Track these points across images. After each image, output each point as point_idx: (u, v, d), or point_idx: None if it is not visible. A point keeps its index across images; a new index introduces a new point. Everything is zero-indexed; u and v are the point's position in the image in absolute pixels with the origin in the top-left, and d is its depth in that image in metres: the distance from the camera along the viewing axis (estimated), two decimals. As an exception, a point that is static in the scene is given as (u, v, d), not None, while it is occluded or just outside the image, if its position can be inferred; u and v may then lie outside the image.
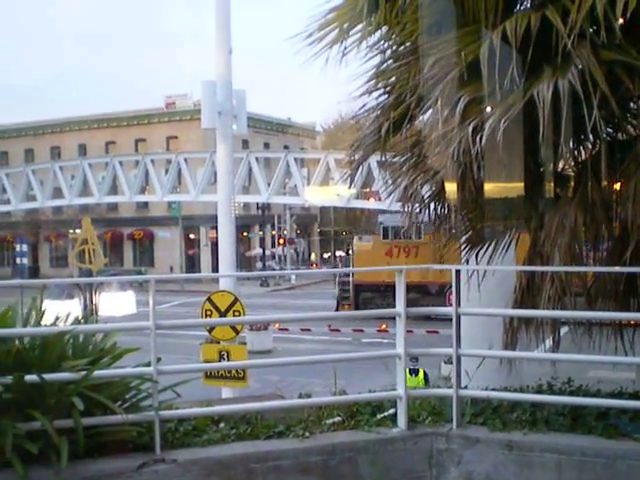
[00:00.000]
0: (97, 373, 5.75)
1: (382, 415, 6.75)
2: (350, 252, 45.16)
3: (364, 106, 8.33)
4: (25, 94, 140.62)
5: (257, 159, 35.25)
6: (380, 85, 8.18)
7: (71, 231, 55.59)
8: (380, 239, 42.12)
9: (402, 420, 6.55)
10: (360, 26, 7.75)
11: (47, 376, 5.53)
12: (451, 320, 6.46)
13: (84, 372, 5.66)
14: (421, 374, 18.58)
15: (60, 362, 5.80)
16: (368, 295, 41.56)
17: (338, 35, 7.78)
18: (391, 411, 6.80)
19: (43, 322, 6.27)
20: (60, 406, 5.64)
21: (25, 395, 5.56)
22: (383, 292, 38.72)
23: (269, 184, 34.20)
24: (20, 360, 5.68)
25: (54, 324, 6.23)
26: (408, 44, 7.86)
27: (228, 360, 13.04)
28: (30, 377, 5.49)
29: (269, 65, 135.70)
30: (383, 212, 38.86)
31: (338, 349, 31.21)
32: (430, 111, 7.19)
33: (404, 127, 7.65)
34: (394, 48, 8.21)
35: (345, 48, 7.80)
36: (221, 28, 15.68)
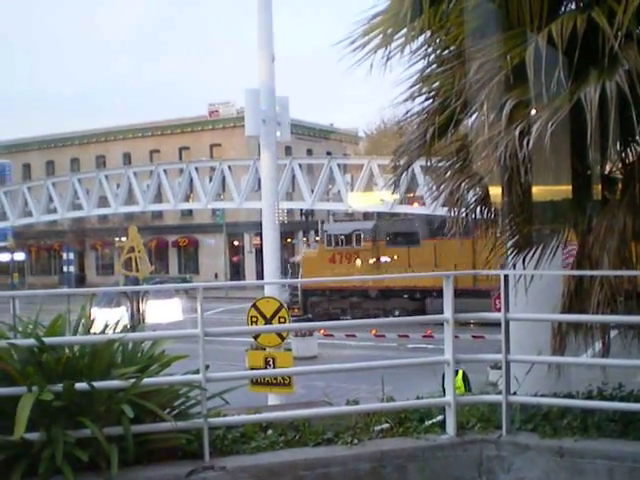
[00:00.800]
0: (146, 381, 5.78)
1: (431, 422, 6.70)
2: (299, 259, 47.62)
3: (408, 112, 8.29)
4: (70, 104, 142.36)
5: (300, 166, 35.28)
6: (424, 90, 8.14)
7: (117, 239, 56.14)
8: (325, 247, 44.41)
9: (451, 427, 6.50)
10: (403, 31, 7.73)
11: (97, 384, 5.57)
12: (493, 325, 6.41)
13: (133, 380, 5.69)
14: (460, 374, 18.40)
15: (109, 370, 5.84)
16: (315, 299, 43.71)
17: (382, 41, 7.76)
18: (439, 418, 6.75)
19: (92, 330, 6.33)
20: (110, 414, 5.68)
21: (75, 403, 5.60)
22: (329, 296, 42.05)
23: (312, 190, 34.22)
24: (70, 368, 5.73)
25: (103, 332, 6.28)
26: (452, 48, 7.83)
27: (274, 366, 13.05)
28: (80, 385, 5.54)
29: (311, 71, 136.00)
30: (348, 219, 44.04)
31: (383, 355, 31.11)
32: (475, 115, 7.14)
33: (449, 132, 7.62)
34: (438, 53, 8.18)
35: (389, 53, 7.78)
36: (264, 36, 15.72)
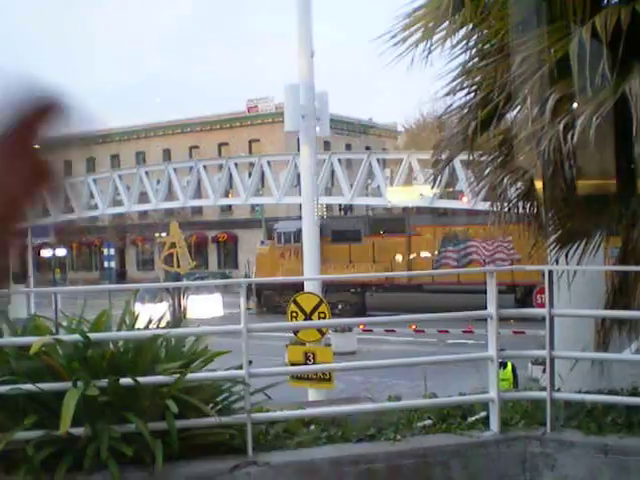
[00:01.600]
0: (190, 376, 5.81)
1: (474, 418, 6.67)
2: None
3: (450, 106, 8.24)
4: (111, 101, 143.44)
5: (340, 160, 35.25)
6: (466, 84, 8.09)
7: (157, 234, 56.53)
8: (275, 244, 47.46)
9: (495, 423, 6.46)
10: (444, 25, 7.68)
11: (141, 379, 5.61)
12: (534, 320, 6.35)
13: (177, 375, 5.72)
14: (509, 366, 18.20)
15: (153, 365, 5.88)
16: (268, 293, 44.98)
17: (423, 35, 7.72)
18: (482, 414, 6.71)
19: (136, 326, 6.37)
20: (154, 409, 5.71)
21: (120, 398, 5.65)
22: (280, 290, 42.33)
23: (351, 185, 34.19)
24: (114, 363, 5.78)
25: (147, 328, 6.32)
26: (494, 42, 7.76)
27: (314, 361, 13.04)
28: (124, 380, 5.58)
29: (349, 65, 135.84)
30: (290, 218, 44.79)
31: (423, 350, 30.98)
32: (518, 109, 7.09)
33: (492, 126, 7.56)
34: (480, 46, 8.12)
35: (430, 47, 7.73)
36: (303, 31, 15.70)
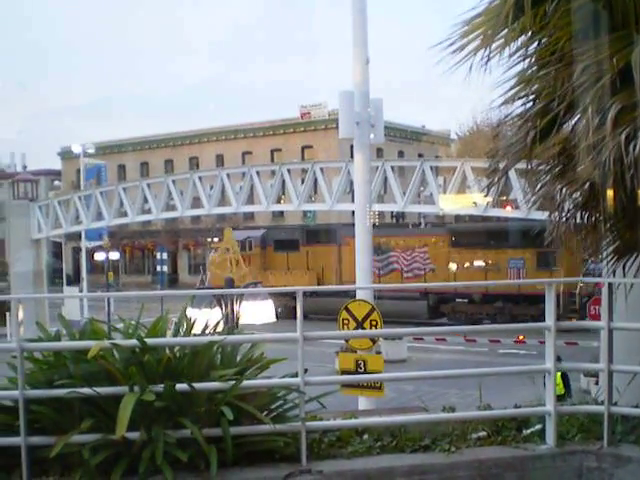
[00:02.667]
0: (245, 383, 5.82)
1: (529, 431, 6.58)
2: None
3: (509, 114, 8.17)
4: (164, 106, 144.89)
5: (392, 168, 35.15)
6: (525, 93, 8.00)
7: (209, 240, 56.90)
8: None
9: (551, 437, 6.37)
10: (503, 33, 7.61)
11: (196, 385, 5.63)
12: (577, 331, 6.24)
13: (232, 382, 5.73)
14: (558, 375, 17.85)
15: (209, 371, 5.90)
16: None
17: (481, 42, 7.66)
18: (538, 427, 6.62)
19: (191, 332, 6.40)
20: (209, 415, 5.73)
21: (175, 403, 5.67)
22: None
23: (404, 193, 34.07)
24: (170, 369, 5.81)
25: (203, 333, 6.34)
26: (554, 50, 7.67)
27: (365, 369, 12.99)
28: (180, 386, 5.60)
29: (402, 72, 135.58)
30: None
31: (474, 360, 30.84)
32: (579, 119, 6.99)
33: (552, 136, 7.47)
34: (539, 55, 8.03)
35: (489, 55, 7.67)
36: (358, 38, 15.68)
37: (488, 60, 7.68)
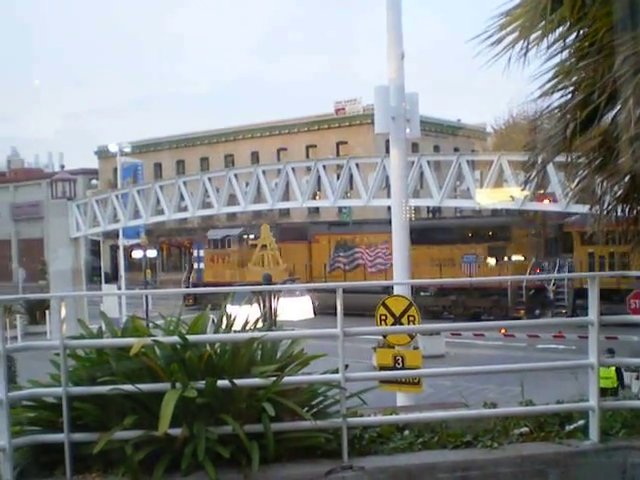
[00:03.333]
0: (286, 379, 5.82)
1: (572, 426, 6.52)
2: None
3: (548, 106, 8.09)
4: (200, 104, 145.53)
5: (429, 162, 34.96)
6: (564, 85, 7.92)
7: (245, 237, 57.07)
8: (210, 249, 57.07)
9: (594, 432, 6.30)
10: (541, 25, 7.53)
11: (238, 381, 5.64)
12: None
13: (273, 378, 5.73)
14: (612, 369, 17.59)
15: (249, 368, 5.91)
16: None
17: (519, 35, 7.59)
18: (580, 422, 6.56)
19: (229, 328, 6.41)
20: (250, 411, 5.74)
21: (217, 400, 5.69)
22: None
23: (440, 187, 33.89)
24: (211, 365, 5.82)
25: (243, 330, 6.35)
26: (594, 41, 7.58)
27: (403, 365, 12.94)
28: (221, 382, 5.61)
29: (437, 66, 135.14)
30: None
31: (512, 355, 30.67)
32: (620, 110, 6.90)
33: (592, 128, 7.39)
34: (577, 46, 7.94)
35: (527, 47, 7.60)
36: (393, 33, 15.58)
37: (526, 52, 7.62)
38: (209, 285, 51.20)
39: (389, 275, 44.54)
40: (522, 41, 7.56)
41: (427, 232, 48.88)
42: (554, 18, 7.38)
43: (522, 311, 41.96)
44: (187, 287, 54.87)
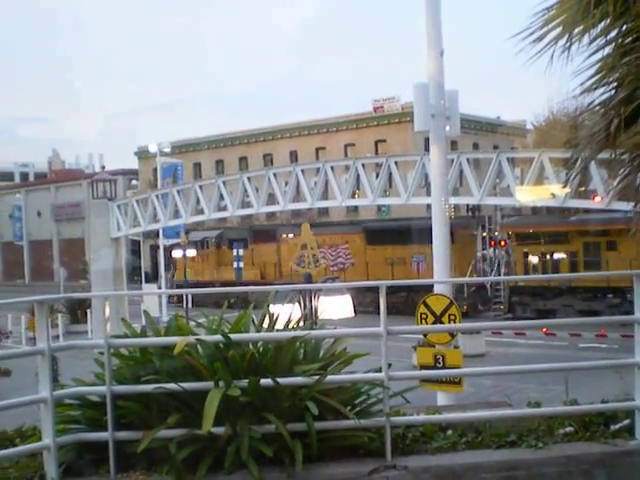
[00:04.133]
0: (329, 378, 5.81)
1: (617, 426, 6.44)
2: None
3: (591, 103, 8.00)
4: (239, 104, 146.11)
5: (468, 160, 34.75)
6: (607, 81, 7.83)
7: (284, 236, 57.14)
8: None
9: (640, 432, 6.24)
10: (583, 20, 7.45)
11: (281, 380, 5.64)
12: None
13: (316, 377, 5.73)
14: None
15: (292, 366, 5.91)
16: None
17: (562, 31, 7.51)
18: (626, 422, 6.48)
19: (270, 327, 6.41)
20: (293, 410, 5.74)
21: (260, 398, 5.69)
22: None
23: (480, 185, 33.67)
24: (254, 364, 5.83)
25: (285, 328, 6.36)
26: (638, 37, 7.49)
27: (443, 364, 12.89)
28: (264, 381, 5.62)
29: (476, 63, 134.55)
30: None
31: (553, 354, 30.41)
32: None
33: (637, 124, 7.29)
34: (621, 41, 7.84)
35: (570, 43, 7.52)
36: (432, 30, 15.51)
37: (569, 48, 7.54)
38: (201, 285, 55.27)
39: (347, 273, 51.98)
40: (565, 37, 7.49)
41: (381, 233, 53.02)
42: (596, 13, 7.30)
43: (465, 307, 42.17)
44: (172, 285, 58.05)
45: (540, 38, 7.56)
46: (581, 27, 7.48)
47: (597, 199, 30.95)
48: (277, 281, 49.17)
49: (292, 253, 54.49)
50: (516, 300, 43.74)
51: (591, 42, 7.70)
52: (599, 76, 7.78)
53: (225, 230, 63.19)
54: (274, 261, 57.76)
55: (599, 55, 7.81)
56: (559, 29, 7.50)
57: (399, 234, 50.35)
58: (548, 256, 43.54)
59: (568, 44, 7.48)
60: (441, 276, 16.20)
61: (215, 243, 62.28)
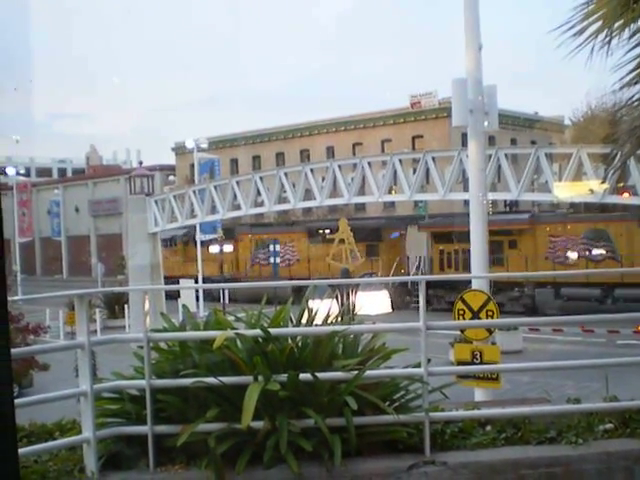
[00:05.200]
0: (368, 373, 5.81)
1: (658, 423, 6.38)
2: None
3: (631, 98, 7.92)
4: (276, 100, 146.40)
5: (506, 155, 34.49)
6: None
7: (320, 231, 57.15)
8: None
9: (682, 429, 6.17)
10: (623, 14, 7.38)
11: (320, 375, 5.65)
12: None
13: (355, 372, 5.73)
14: None
15: (331, 361, 5.91)
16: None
17: (603, 24, 7.45)
18: (667, 419, 6.42)
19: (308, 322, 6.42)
20: (332, 405, 5.75)
21: (299, 393, 5.70)
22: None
23: (518, 181, 33.41)
24: (293, 359, 5.85)
25: (324, 323, 6.36)
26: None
27: (481, 360, 12.83)
28: (303, 375, 5.63)
29: (514, 58, 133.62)
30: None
31: (591, 351, 30.16)
32: None
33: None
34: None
35: (610, 37, 7.45)
36: (470, 25, 15.45)
37: (609, 42, 7.48)
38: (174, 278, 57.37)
39: (293, 269, 57.62)
40: (605, 31, 7.42)
41: (319, 231, 56.12)
42: (637, 7, 7.24)
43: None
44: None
45: (580, 32, 7.50)
46: (621, 21, 7.42)
47: (625, 195, 30.77)
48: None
49: (247, 250, 61.12)
50: (432, 293, 44.38)
51: (631, 36, 7.64)
52: (638, 71, 7.71)
53: (191, 228, 62.97)
54: (231, 256, 61.89)
55: (639, 50, 7.75)
56: (599, 23, 7.44)
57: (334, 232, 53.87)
58: (460, 253, 45.94)
59: (608, 38, 7.42)
60: (479, 272, 16.14)
61: (182, 241, 65.45)
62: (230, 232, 61.09)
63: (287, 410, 5.67)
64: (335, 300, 12.70)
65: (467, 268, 43.11)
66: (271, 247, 60.51)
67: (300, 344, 6.06)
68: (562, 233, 45.28)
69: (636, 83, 7.80)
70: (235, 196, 42.70)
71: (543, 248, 45.29)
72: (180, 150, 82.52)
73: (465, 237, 46.21)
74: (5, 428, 1.82)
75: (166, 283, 46.67)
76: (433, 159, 36.35)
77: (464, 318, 12.42)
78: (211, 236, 56.97)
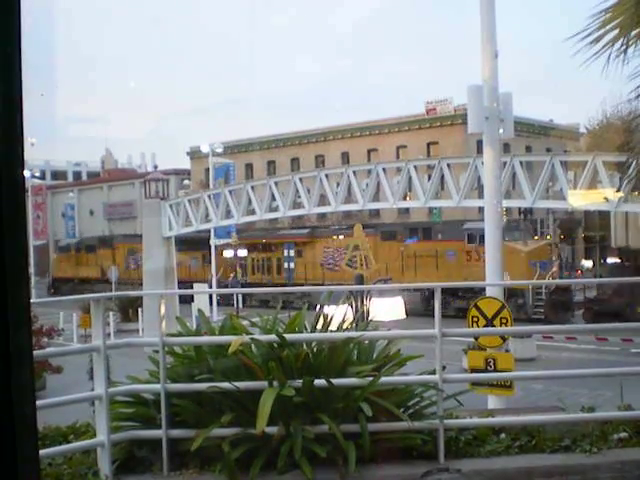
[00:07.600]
0: (383, 379, 5.82)
1: (673, 432, 6.37)
2: None
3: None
4: (291, 105, 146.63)
5: (521, 163, 34.40)
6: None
7: (334, 237, 57.19)
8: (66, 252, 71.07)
9: (697, 439, 6.15)
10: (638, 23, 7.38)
11: (334, 381, 5.66)
12: None
13: (370, 378, 5.73)
14: None
15: (346, 367, 5.92)
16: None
17: (619, 34, 7.46)
18: (682, 428, 6.40)
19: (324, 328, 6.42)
20: (346, 411, 5.75)
21: (313, 399, 5.71)
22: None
23: (533, 188, 33.33)
24: (308, 364, 5.86)
25: (339, 329, 6.37)
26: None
27: (494, 368, 12.80)
28: (318, 381, 5.64)
29: (529, 65, 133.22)
30: None
31: (604, 359, 30.04)
32: None
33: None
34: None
35: (627, 45, 7.45)
36: (487, 32, 15.44)
37: (625, 50, 7.48)
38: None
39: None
40: (621, 39, 7.43)
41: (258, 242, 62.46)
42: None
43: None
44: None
45: (596, 40, 7.51)
46: (638, 30, 7.42)
47: None
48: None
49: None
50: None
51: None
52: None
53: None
54: (199, 265, 65.48)
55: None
56: (615, 31, 7.45)
57: (271, 241, 63.02)
58: (265, 260, 61.50)
59: (624, 47, 7.42)
60: (493, 279, 16.11)
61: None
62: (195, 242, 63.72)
63: (301, 416, 5.68)
64: (350, 306, 12.71)
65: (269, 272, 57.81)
66: (285, 252, 60.58)
67: (315, 350, 6.07)
68: (331, 245, 56.71)
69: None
70: (250, 201, 42.76)
71: (320, 257, 57.95)
72: (195, 154, 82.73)
73: (268, 247, 55.21)
74: (27, 430, 1.84)
75: (179, 287, 46.84)
76: (448, 166, 36.28)
77: (478, 325, 12.41)
78: (225, 240, 57.00)
